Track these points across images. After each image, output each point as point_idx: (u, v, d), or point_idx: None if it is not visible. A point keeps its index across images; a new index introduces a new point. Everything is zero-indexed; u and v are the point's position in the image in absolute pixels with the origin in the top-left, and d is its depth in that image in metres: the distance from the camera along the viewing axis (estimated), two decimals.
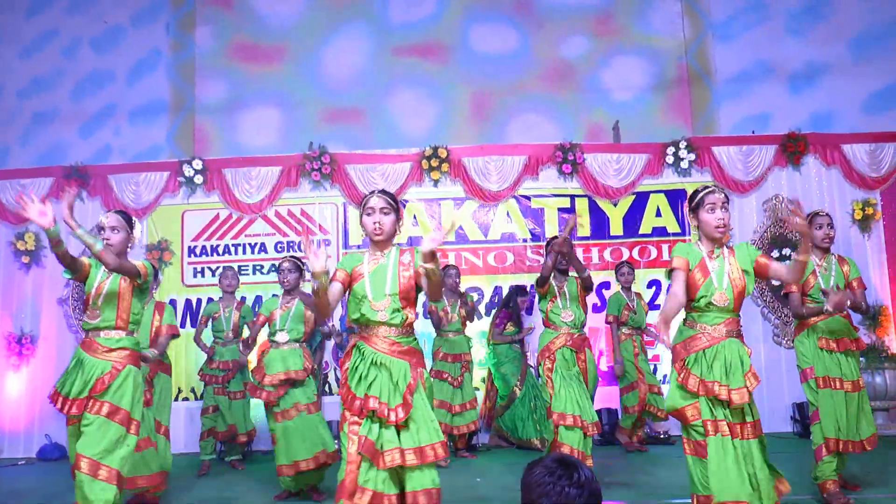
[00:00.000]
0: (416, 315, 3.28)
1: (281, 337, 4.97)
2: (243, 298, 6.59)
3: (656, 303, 7.15)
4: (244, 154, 7.81)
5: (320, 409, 5.06)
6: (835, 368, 4.23)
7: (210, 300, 6.92)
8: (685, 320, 3.38)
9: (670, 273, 3.37)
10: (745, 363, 3.23)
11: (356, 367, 3.10)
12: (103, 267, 3.76)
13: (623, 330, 6.43)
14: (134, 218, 4.00)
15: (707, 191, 3.32)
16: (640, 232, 7.44)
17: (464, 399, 6.26)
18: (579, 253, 7.40)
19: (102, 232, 3.76)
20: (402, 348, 3.13)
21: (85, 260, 3.77)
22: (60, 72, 8.77)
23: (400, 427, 3.04)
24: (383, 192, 3.24)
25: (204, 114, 8.61)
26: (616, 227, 7.48)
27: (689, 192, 3.52)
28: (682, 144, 7.36)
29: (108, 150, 8.50)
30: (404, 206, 7.52)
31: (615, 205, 7.47)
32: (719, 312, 3.26)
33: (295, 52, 8.67)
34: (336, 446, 4.77)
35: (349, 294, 3.23)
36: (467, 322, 6.50)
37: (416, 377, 3.10)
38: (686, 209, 3.43)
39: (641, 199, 7.47)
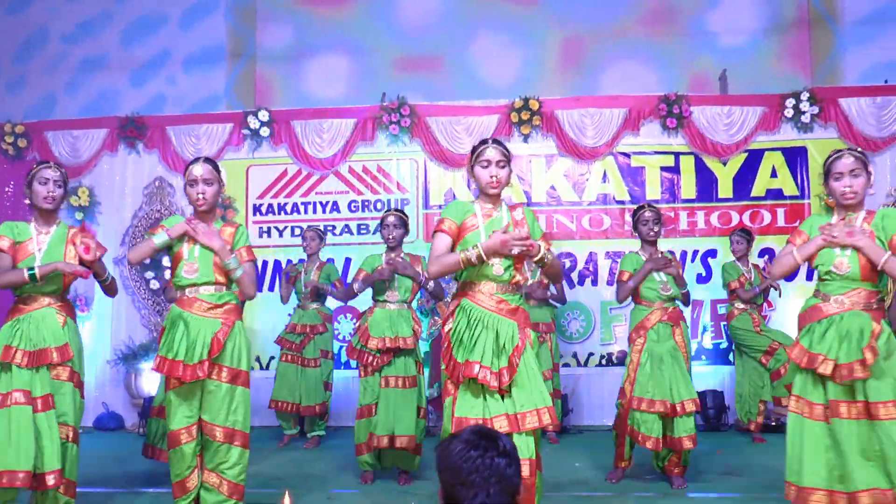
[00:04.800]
0: (526, 279, 3.08)
1: (390, 297, 4.56)
2: (329, 259, 6.08)
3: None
4: (310, 105, 7.18)
5: (417, 386, 4.54)
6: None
7: (279, 262, 6.71)
8: (815, 290, 3.19)
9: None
10: (866, 336, 2.91)
11: (459, 331, 2.93)
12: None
13: (737, 304, 5.74)
14: (220, 164, 3.59)
15: (833, 158, 3.12)
16: (753, 195, 6.69)
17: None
18: (683, 217, 6.74)
19: (195, 186, 3.43)
20: (509, 307, 2.98)
21: (166, 237, 3.41)
22: (109, 15, 8.13)
23: (503, 392, 2.87)
24: (497, 142, 3.10)
25: (266, 61, 7.94)
26: (725, 189, 6.72)
27: (811, 149, 3.74)
28: (804, 96, 6.53)
29: (162, 99, 7.91)
30: None
31: (724, 164, 6.70)
32: (843, 282, 3.02)
33: None
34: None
35: (457, 246, 3.04)
36: (550, 287, 5.80)
37: (523, 339, 2.92)
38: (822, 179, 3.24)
39: (754, 158, 6.68)
